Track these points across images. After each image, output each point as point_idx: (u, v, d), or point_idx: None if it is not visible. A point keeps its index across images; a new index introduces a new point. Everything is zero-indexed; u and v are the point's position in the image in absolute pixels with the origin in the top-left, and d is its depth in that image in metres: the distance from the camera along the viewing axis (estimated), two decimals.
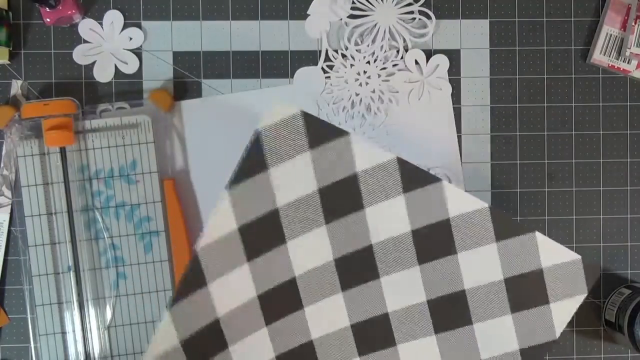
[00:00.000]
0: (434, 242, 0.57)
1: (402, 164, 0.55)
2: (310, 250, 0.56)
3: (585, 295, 0.58)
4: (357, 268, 0.57)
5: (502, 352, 0.58)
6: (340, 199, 0.56)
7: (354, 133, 0.55)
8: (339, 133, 0.54)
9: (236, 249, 0.55)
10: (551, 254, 0.57)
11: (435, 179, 0.56)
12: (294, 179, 0.55)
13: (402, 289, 0.58)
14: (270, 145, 0.54)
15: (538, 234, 0.57)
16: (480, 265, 0.57)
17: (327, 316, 0.58)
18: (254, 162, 0.54)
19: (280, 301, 0.57)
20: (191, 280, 0.55)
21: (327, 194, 0.55)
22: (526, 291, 0.58)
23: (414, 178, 0.56)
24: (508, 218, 0.57)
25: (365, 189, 0.56)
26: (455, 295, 0.58)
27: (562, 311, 0.58)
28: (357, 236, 0.57)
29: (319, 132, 0.54)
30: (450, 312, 0.58)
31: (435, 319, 0.58)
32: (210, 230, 0.54)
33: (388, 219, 0.57)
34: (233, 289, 0.56)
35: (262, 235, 0.55)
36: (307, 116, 0.54)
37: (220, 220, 0.55)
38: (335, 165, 0.55)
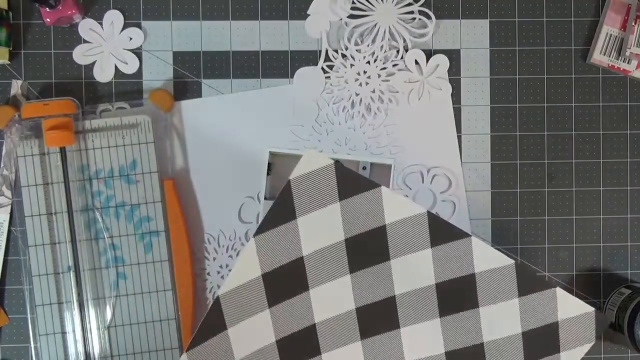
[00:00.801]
0: (457, 295, 0.58)
1: (432, 218, 0.56)
2: (332, 298, 0.56)
3: (593, 343, 0.59)
4: (378, 318, 0.57)
5: None
6: (367, 249, 0.56)
7: (385, 187, 0.55)
8: (370, 185, 0.54)
9: (258, 295, 0.55)
10: (568, 307, 0.58)
11: (464, 235, 0.56)
12: (321, 229, 0.55)
13: (422, 341, 0.58)
14: (300, 195, 0.54)
15: (559, 290, 0.58)
16: (500, 319, 0.58)
17: None
18: (283, 211, 0.54)
19: (298, 347, 0.57)
20: (211, 324, 0.54)
21: (354, 244, 0.55)
22: (540, 341, 0.58)
23: (442, 233, 0.56)
24: (532, 274, 0.58)
25: (392, 241, 0.56)
26: (474, 347, 0.59)
27: (570, 357, 0.59)
28: (380, 287, 0.57)
29: (350, 184, 0.54)
30: None
31: None
32: (234, 276, 0.54)
33: (413, 271, 0.57)
34: (252, 334, 0.56)
35: (286, 282, 0.55)
36: (339, 167, 0.54)
37: (245, 267, 0.54)
38: (364, 217, 0.55)
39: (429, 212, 0.56)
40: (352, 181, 0.54)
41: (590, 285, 0.69)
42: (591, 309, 0.59)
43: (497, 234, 0.68)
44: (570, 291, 0.68)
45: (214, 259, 0.67)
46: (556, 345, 0.59)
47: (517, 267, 0.57)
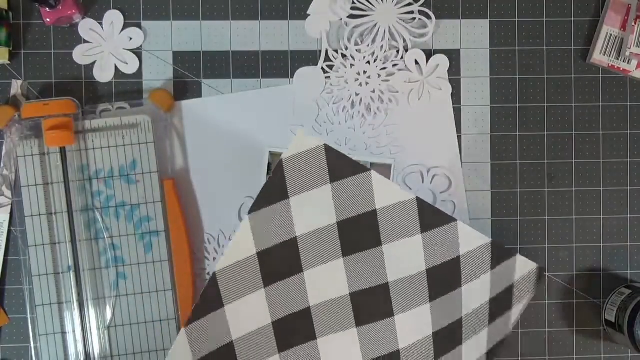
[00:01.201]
0: (444, 279, 0.59)
1: (421, 204, 0.57)
2: (326, 282, 0.57)
3: (533, 295, 0.62)
4: (372, 304, 0.58)
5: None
6: (359, 233, 0.57)
7: (374, 171, 0.56)
8: (360, 169, 0.56)
9: (254, 274, 0.56)
10: (522, 269, 0.61)
11: (451, 219, 0.58)
12: (313, 210, 0.56)
13: (413, 326, 0.59)
14: (292, 175, 0.55)
15: (518, 256, 0.61)
16: (476, 294, 0.61)
17: (340, 349, 0.59)
18: (275, 190, 0.55)
19: (294, 330, 0.58)
20: (208, 300, 0.55)
21: (346, 227, 0.57)
22: (499, 302, 0.62)
23: (431, 219, 0.58)
24: (501, 247, 0.60)
25: (383, 226, 0.57)
26: (456, 323, 0.61)
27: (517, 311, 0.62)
28: (373, 273, 0.58)
29: (340, 167, 0.55)
30: (447, 336, 0.60)
31: (437, 346, 0.60)
32: (230, 253, 0.55)
33: (404, 258, 0.58)
34: (248, 313, 0.57)
35: (280, 262, 0.56)
36: (329, 150, 0.55)
37: (240, 244, 0.56)
38: (355, 200, 0.56)
39: (417, 198, 0.57)
40: (342, 164, 0.55)
41: (590, 285, 0.69)
42: (534, 265, 0.61)
43: (497, 234, 0.68)
44: (570, 291, 0.69)
45: (214, 259, 0.67)
46: (509, 305, 0.62)
47: (492, 245, 0.60)
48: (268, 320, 0.57)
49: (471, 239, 0.59)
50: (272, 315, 0.57)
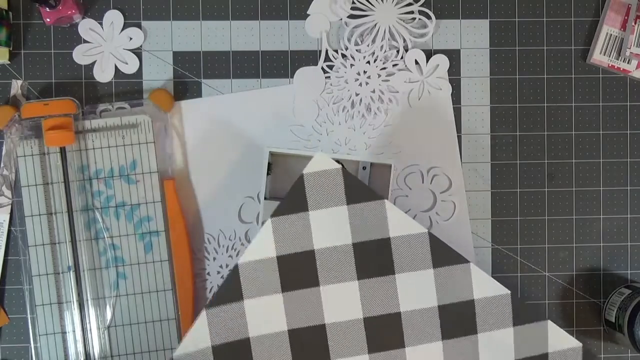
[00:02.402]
0: (458, 319, 0.61)
1: (433, 239, 0.59)
2: (341, 301, 0.59)
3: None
4: (384, 332, 0.60)
5: None
6: (373, 258, 0.59)
7: (388, 201, 0.59)
8: (374, 197, 0.58)
9: (273, 276, 0.58)
10: (558, 340, 0.62)
11: (463, 260, 0.60)
12: (330, 227, 0.58)
13: None
14: (311, 189, 0.58)
15: (550, 323, 0.62)
16: (497, 346, 0.61)
17: None
18: (296, 201, 0.58)
19: (310, 345, 0.59)
20: (229, 289, 0.57)
21: (361, 250, 0.59)
22: None
23: (443, 255, 0.59)
24: (525, 306, 0.61)
25: (396, 254, 0.59)
26: None
27: None
28: (387, 300, 0.60)
29: (356, 191, 0.58)
30: None
31: None
32: (252, 250, 0.58)
33: (416, 290, 0.60)
34: (266, 314, 0.59)
35: (298, 271, 0.58)
36: (346, 174, 0.58)
37: (261, 244, 0.58)
38: (369, 225, 0.58)
39: (429, 233, 0.59)
40: (358, 188, 0.58)
41: (590, 285, 0.69)
42: (579, 344, 0.62)
43: (497, 234, 0.68)
44: (570, 291, 0.69)
45: (214, 259, 0.67)
46: None
47: (512, 298, 0.61)
48: (284, 327, 0.59)
49: (485, 285, 0.61)
50: (289, 323, 0.59)
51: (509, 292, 0.61)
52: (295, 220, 0.58)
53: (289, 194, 0.58)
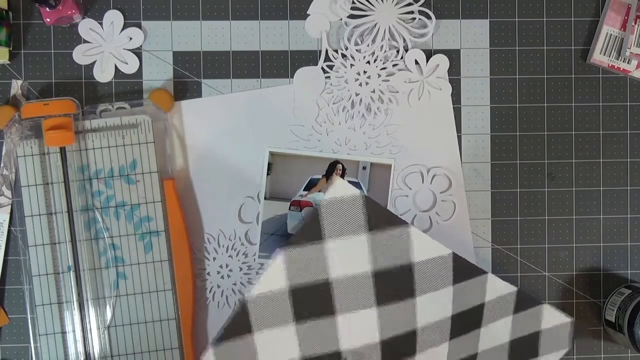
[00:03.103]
0: (467, 321, 0.61)
1: (457, 258, 0.58)
2: (359, 329, 0.58)
3: (567, 349, 0.64)
4: (399, 348, 0.59)
5: None
6: (394, 285, 0.57)
7: (413, 226, 0.57)
8: (399, 222, 0.56)
9: (284, 308, 0.56)
10: (551, 319, 0.63)
11: (481, 272, 0.59)
12: (348, 256, 0.56)
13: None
14: (329, 218, 0.55)
15: (545, 306, 0.63)
16: (495, 333, 0.62)
17: None
18: (311, 231, 0.55)
19: None
20: (238, 324, 0.55)
21: (381, 277, 0.57)
22: (524, 348, 0.63)
23: (463, 272, 0.59)
24: (528, 297, 0.62)
25: (419, 279, 0.58)
26: (468, 357, 0.63)
27: None
28: (404, 322, 0.59)
29: (378, 218, 0.56)
30: None
31: None
32: (262, 283, 0.55)
33: (434, 307, 0.59)
34: (277, 346, 0.57)
35: (312, 301, 0.56)
36: (368, 200, 0.56)
37: (272, 276, 0.56)
38: (391, 252, 0.57)
39: (454, 254, 0.58)
40: (381, 215, 0.56)
41: (590, 285, 0.69)
42: (569, 319, 0.63)
43: (497, 234, 0.68)
44: (570, 291, 0.69)
45: (214, 259, 0.67)
46: (535, 350, 0.64)
47: (518, 293, 0.62)
48: (296, 355, 0.57)
49: (499, 289, 0.61)
50: (302, 351, 0.57)
51: (516, 289, 0.61)
52: (310, 251, 0.55)
53: (304, 224, 0.56)
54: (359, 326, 0.58)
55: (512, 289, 0.61)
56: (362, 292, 0.57)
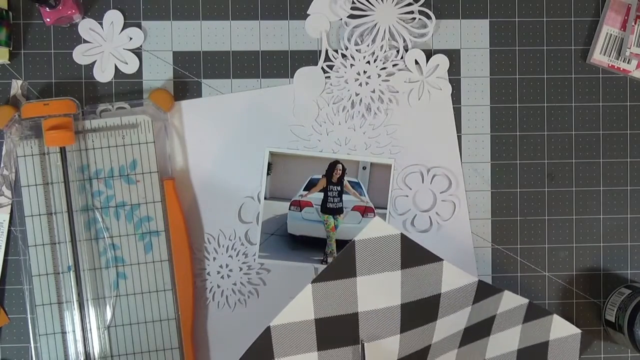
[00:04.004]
0: (476, 333, 0.61)
1: (481, 285, 0.59)
2: (380, 352, 0.58)
3: None
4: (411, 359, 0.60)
5: None
6: (419, 314, 0.58)
7: (446, 260, 0.58)
8: (433, 259, 0.57)
9: (308, 336, 0.56)
10: (560, 329, 0.62)
11: (499, 290, 0.60)
12: (379, 292, 0.56)
13: None
14: (362, 256, 0.56)
15: (555, 316, 0.62)
16: (503, 342, 0.62)
17: None
18: (344, 268, 0.55)
19: None
20: (259, 349, 0.55)
21: (409, 308, 0.58)
22: (530, 356, 0.63)
23: (484, 294, 0.59)
24: (538, 308, 0.62)
25: (443, 306, 0.59)
26: None
27: None
28: (422, 340, 0.59)
29: (413, 256, 0.56)
30: None
31: None
32: (287, 313, 0.56)
33: (451, 324, 0.60)
34: None
35: (337, 332, 0.57)
36: (405, 239, 0.56)
37: (299, 308, 0.56)
38: (421, 287, 0.57)
39: (480, 280, 0.59)
40: (415, 253, 0.56)
41: (590, 285, 0.69)
42: (578, 330, 0.63)
43: (497, 234, 0.68)
44: (570, 291, 0.69)
45: (214, 259, 0.67)
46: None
47: (529, 305, 0.62)
48: None
49: (512, 302, 0.61)
50: None
51: (527, 301, 0.61)
52: (340, 285, 0.56)
53: (336, 260, 0.55)
54: (381, 352, 0.58)
55: (524, 301, 0.61)
56: (388, 322, 0.58)
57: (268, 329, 0.56)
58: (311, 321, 0.56)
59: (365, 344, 0.57)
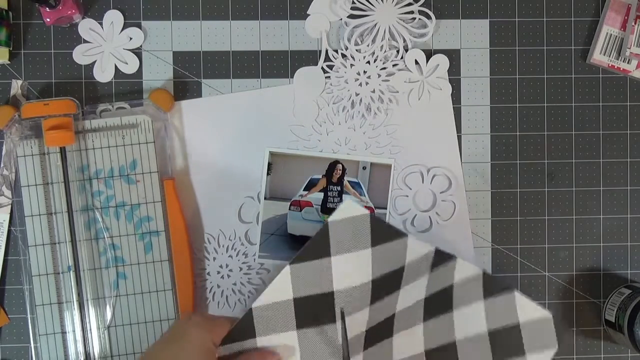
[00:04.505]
0: (437, 302, 0.62)
1: (438, 252, 0.60)
2: (352, 325, 0.61)
3: (556, 348, 0.62)
4: (379, 333, 0.62)
5: None
6: (386, 285, 0.61)
7: (411, 235, 0.61)
8: (398, 235, 0.60)
9: (288, 315, 0.59)
10: (528, 310, 0.62)
11: (452, 257, 0.60)
12: (352, 269, 0.59)
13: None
14: (336, 236, 0.59)
15: (517, 294, 0.61)
16: (468, 319, 0.62)
17: None
18: (319, 248, 0.59)
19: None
20: (242, 329, 0.58)
21: (378, 282, 0.60)
22: (505, 341, 0.63)
23: (440, 260, 0.60)
24: (494, 279, 0.61)
25: (406, 275, 0.61)
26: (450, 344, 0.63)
27: None
28: (388, 310, 0.62)
29: (381, 233, 0.59)
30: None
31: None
32: (267, 295, 0.59)
33: (412, 292, 0.61)
34: (279, 350, 0.59)
35: (314, 310, 0.59)
36: (373, 219, 0.59)
37: (278, 288, 0.59)
38: (390, 261, 0.60)
39: (436, 249, 0.60)
40: (384, 230, 0.59)
41: (590, 285, 0.69)
42: (549, 314, 0.62)
43: (497, 234, 0.68)
44: (570, 291, 0.69)
45: (214, 259, 0.67)
46: (521, 350, 0.63)
47: (484, 276, 0.62)
48: (298, 357, 0.60)
49: (467, 271, 0.61)
50: (302, 357, 0.59)
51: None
52: (316, 265, 0.59)
53: (311, 241, 0.59)
54: (352, 324, 0.60)
55: (478, 270, 0.61)
56: (360, 299, 0.59)
57: (250, 311, 0.58)
58: (290, 301, 0.59)
59: (338, 325, 0.59)
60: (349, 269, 0.59)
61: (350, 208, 0.59)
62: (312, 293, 0.59)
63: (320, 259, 0.59)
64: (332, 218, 0.59)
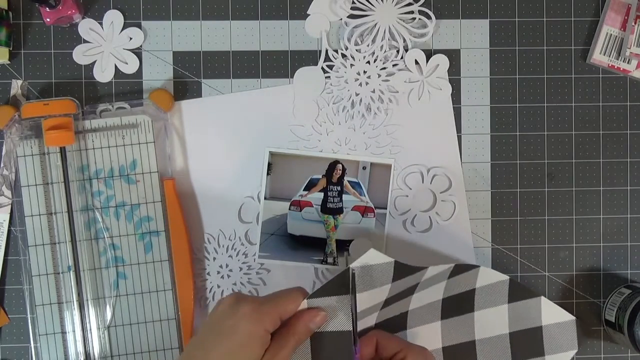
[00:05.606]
0: (457, 303, 0.63)
1: (457, 265, 0.61)
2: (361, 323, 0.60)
3: (576, 350, 0.65)
4: (394, 328, 0.62)
5: None
6: (398, 296, 0.60)
7: (432, 267, 0.60)
8: (419, 269, 0.59)
9: (304, 351, 0.57)
10: (552, 314, 0.64)
11: (474, 267, 0.62)
12: (367, 297, 0.58)
13: None
14: (358, 278, 0.57)
15: (543, 298, 0.64)
16: (489, 321, 0.63)
17: None
18: (337, 287, 0.56)
19: None
20: None
21: (390, 299, 0.59)
22: (525, 343, 0.65)
23: (460, 270, 0.62)
24: (520, 286, 0.64)
25: (421, 284, 0.61)
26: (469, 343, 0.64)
27: None
28: (399, 309, 0.61)
29: (403, 272, 0.58)
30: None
31: None
32: None
33: (426, 294, 0.62)
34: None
35: (330, 347, 0.57)
36: (398, 264, 0.58)
37: None
38: (407, 283, 0.59)
39: (456, 265, 0.60)
40: (406, 271, 0.58)
41: (590, 285, 0.69)
42: (572, 317, 0.64)
43: (497, 234, 0.68)
44: (570, 291, 0.69)
45: (214, 259, 0.67)
46: (541, 351, 0.65)
47: (510, 283, 0.64)
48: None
49: (491, 278, 0.62)
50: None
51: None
52: (333, 300, 0.56)
53: (330, 283, 0.56)
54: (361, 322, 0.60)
55: (504, 277, 0.62)
56: (371, 309, 0.59)
57: None
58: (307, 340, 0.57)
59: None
60: (364, 297, 0.57)
61: (375, 256, 0.57)
62: (328, 330, 0.57)
63: (338, 296, 0.56)
64: (356, 264, 0.57)
